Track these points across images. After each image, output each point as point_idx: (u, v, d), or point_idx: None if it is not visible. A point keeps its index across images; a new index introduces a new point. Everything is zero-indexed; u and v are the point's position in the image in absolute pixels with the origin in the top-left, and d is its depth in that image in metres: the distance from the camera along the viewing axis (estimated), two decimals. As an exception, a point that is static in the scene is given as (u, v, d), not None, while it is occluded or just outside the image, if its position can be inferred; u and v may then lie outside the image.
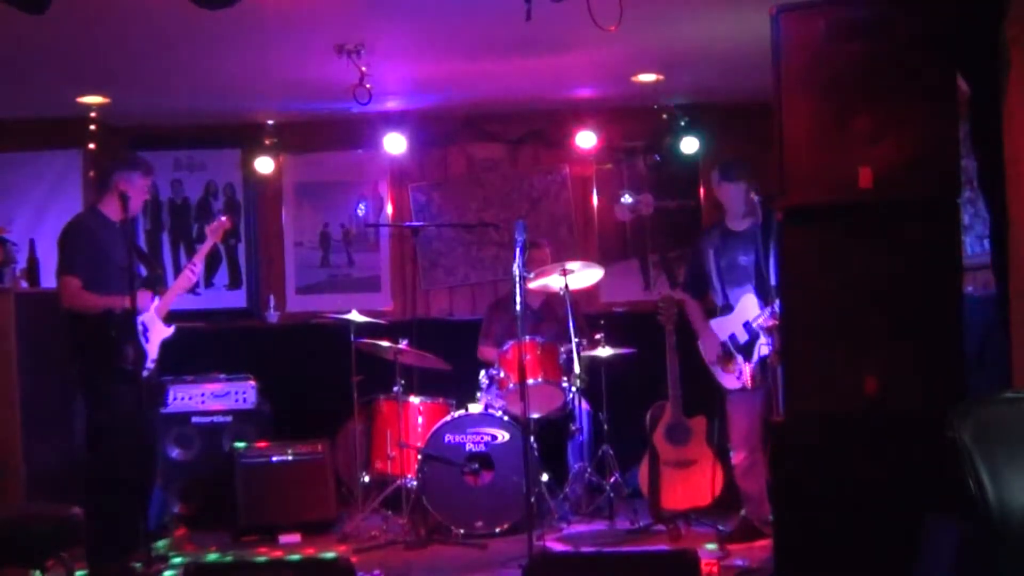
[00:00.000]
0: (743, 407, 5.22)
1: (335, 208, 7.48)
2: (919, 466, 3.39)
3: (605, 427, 5.96)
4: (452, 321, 7.36)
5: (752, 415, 5.18)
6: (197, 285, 6.93)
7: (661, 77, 6.20)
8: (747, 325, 5.11)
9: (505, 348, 5.92)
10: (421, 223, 7.21)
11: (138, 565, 4.92)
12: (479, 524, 5.65)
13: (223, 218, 5.84)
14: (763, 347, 4.98)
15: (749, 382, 5.12)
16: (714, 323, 5.29)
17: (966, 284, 4.01)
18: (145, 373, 5.14)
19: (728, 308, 5.24)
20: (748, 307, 5.12)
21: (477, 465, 5.72)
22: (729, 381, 5.22)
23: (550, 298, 6.33)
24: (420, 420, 6.06)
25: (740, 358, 5.16)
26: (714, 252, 5.28)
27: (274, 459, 5.97)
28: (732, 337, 5.19)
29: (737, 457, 5.26)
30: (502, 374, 5.89)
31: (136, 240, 6.97)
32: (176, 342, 5.43)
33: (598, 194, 7.39)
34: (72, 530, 4.16)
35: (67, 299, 5.05)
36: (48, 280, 5.74)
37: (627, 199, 7.34)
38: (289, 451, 6.01)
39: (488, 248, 7.39)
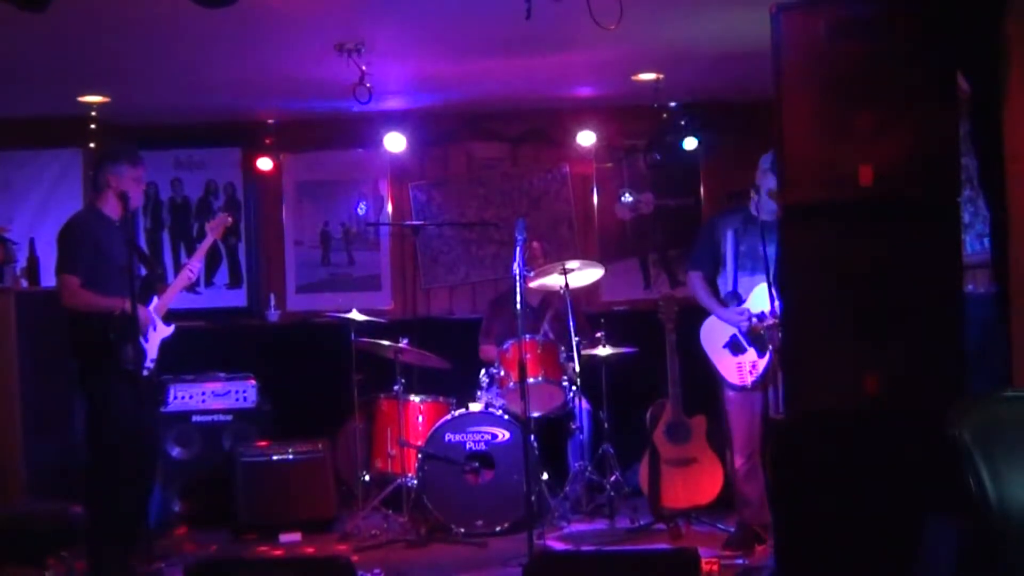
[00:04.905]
0: (743, 409, 5.09)
1: (335, 207, 7.48)
2: (919, 466, 3.39)
3: (605, 426, 5.96)
4: (452, 320, 7.36)
5: (752, 417, 5.05)
6: (197, 284, 6.94)
7: (661, 76, 6.19)
8: (762, 316, 4.87)
9: (505, 347, 5.92)
10: (421, 222, 7.21)
11: (139, 564, 4.92)
12: (479, 523, 5.65)
13: (224, 214, 5.84)
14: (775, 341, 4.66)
15: (750, 380, 5.01)
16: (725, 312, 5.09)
17: (966, 282, 4.01)
18: (144, 372, 5.14)
19: (736, 297, 5.05)
20: (762, 299, 4.81)
21: (477, 464, 5.72)
22: (731, 374, 5.05)
23: (549, 296, 6.33)
24: (420, 419, 6.06)
25: (755, 351, 4.98)
26: (733, 234, 5.06)
27: (274, 458, 5.97)
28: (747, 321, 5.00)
29: (737, 462, 5.13)
30: (502, 373, 5.90)
31: (136, 239, 6.97)
32: (176, 341, 5.42)
33: (598, 193, 7.39)
34: (73, 529, 4.17)
35: (66, 298, 5.04)
36: (48, 279, 5.74)
37: (627, 198, 7.34)
38: (289, 450, 6.01)
39: (488, 247, 7.39)
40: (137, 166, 5.23)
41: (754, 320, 4.94)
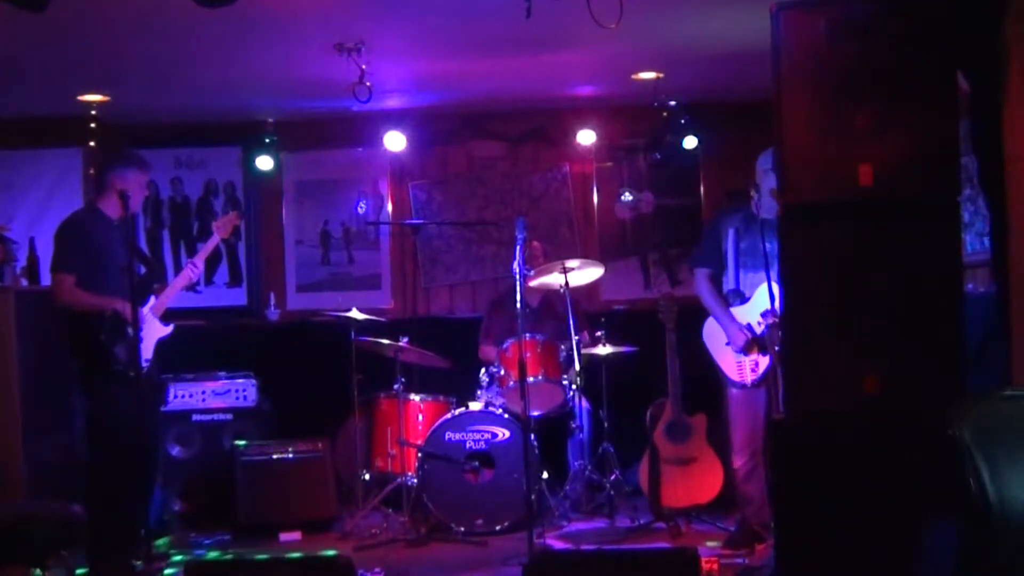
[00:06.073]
0: (745, 407, 5.08)
1: (335, 206, 7.48)
2: (919, 466, 3.39)
3: (605, 425, 5.96)
4: (452, 319, 7.36)
5: (755, 417, 5.04)
6: (198, 283, 6.93)
7: (661, 75, 6.19)
8: (766, 315, 4.85)
9: (505, 346, 5.92)
10: (421, 221, 7.21)
11: (138, 563, 4.92)
12: (479, 522, 5.65)
13: (233, 212, 5.81)
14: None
15: (750, 378, 5.01)
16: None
17: (966, 282, 4.01)
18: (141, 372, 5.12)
19: (740, 295, 5.05)
20: (765, 298, 4.75)
21: (477, 463, 5.72)
22: (732, 371, 5.05)
23: (549, 296, 6.33)
24: (420, 418, 6.07)
25: (756, 350, 4.97)
26: (735, 233, 5.04)
27: (274, 457, 5.98)
28: (748, 328, 4.99)
29: (739, 460, 5.13)
30: (502, 372, 5.90)
31: (137, 239, 6.97)
32: (176, 340, 5.42)
33: (598, 192, 7.39)
34: (73, 528, 4.16)
35: (59, 296, 5.04)
36: (48, 278, 5.74)
37: (627, 197, 7.34)
38: (289, 449, 6.01)
39: (488, 246, 7.39)
40: (144, 172, 5.26)
41: (754, 331, 4.95)
